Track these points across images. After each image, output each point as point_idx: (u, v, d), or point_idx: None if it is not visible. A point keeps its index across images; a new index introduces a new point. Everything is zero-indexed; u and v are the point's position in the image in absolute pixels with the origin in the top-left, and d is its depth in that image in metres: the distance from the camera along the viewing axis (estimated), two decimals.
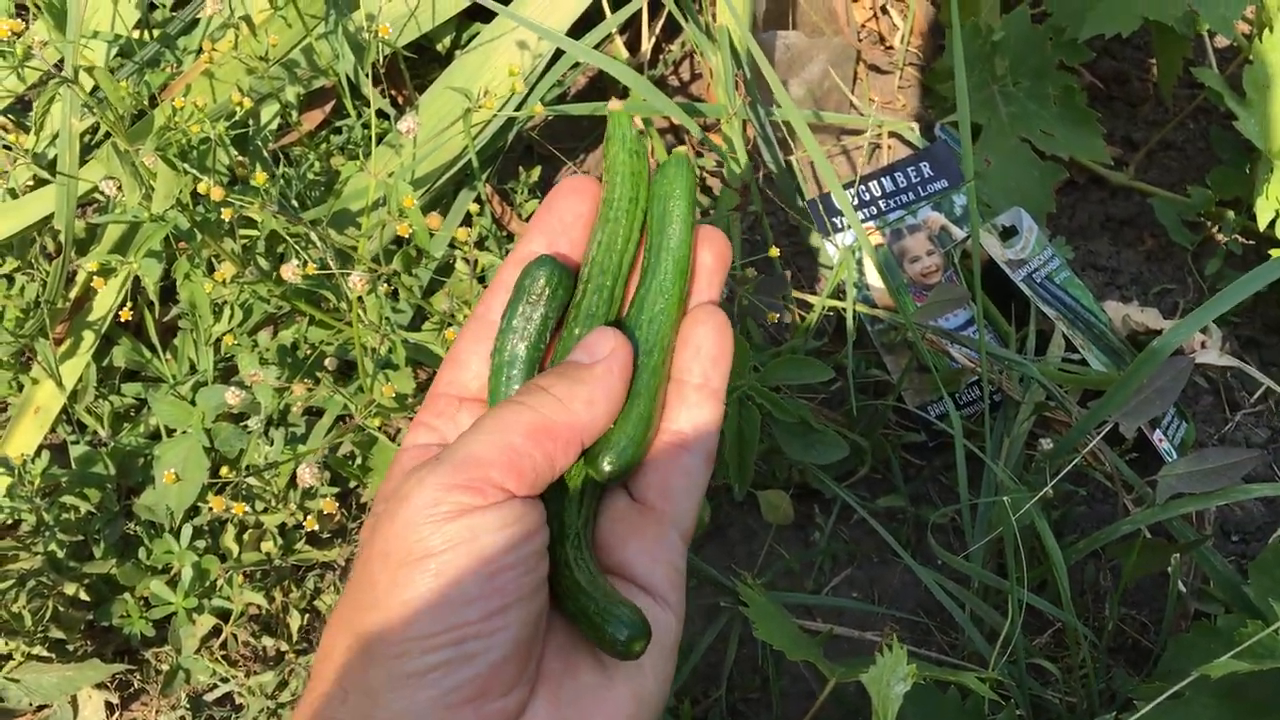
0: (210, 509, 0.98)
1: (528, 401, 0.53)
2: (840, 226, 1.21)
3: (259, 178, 0.85)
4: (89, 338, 1.10)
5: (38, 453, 1.06)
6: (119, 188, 0.87)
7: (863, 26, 1.50)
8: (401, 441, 0.60)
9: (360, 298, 0.90)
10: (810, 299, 1.10)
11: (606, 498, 0.58)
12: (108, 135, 0.93)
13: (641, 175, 0.62)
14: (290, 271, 0.80)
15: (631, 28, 1.42)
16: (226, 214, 0.83)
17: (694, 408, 0.59)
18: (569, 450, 0.53)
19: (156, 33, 1.19)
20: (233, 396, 0.90)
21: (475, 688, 0.47)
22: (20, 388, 1.12)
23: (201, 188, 0.82)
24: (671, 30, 1.45)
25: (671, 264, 0.60)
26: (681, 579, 0.57)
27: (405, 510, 0.49)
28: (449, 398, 0.59)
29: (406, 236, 0.86)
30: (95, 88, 1.00)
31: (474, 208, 0.95)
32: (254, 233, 1.04)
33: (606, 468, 0.55)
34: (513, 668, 0.48)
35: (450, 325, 0.93)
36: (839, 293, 1.15)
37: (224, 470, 0.92)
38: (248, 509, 1.02)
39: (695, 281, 0.62)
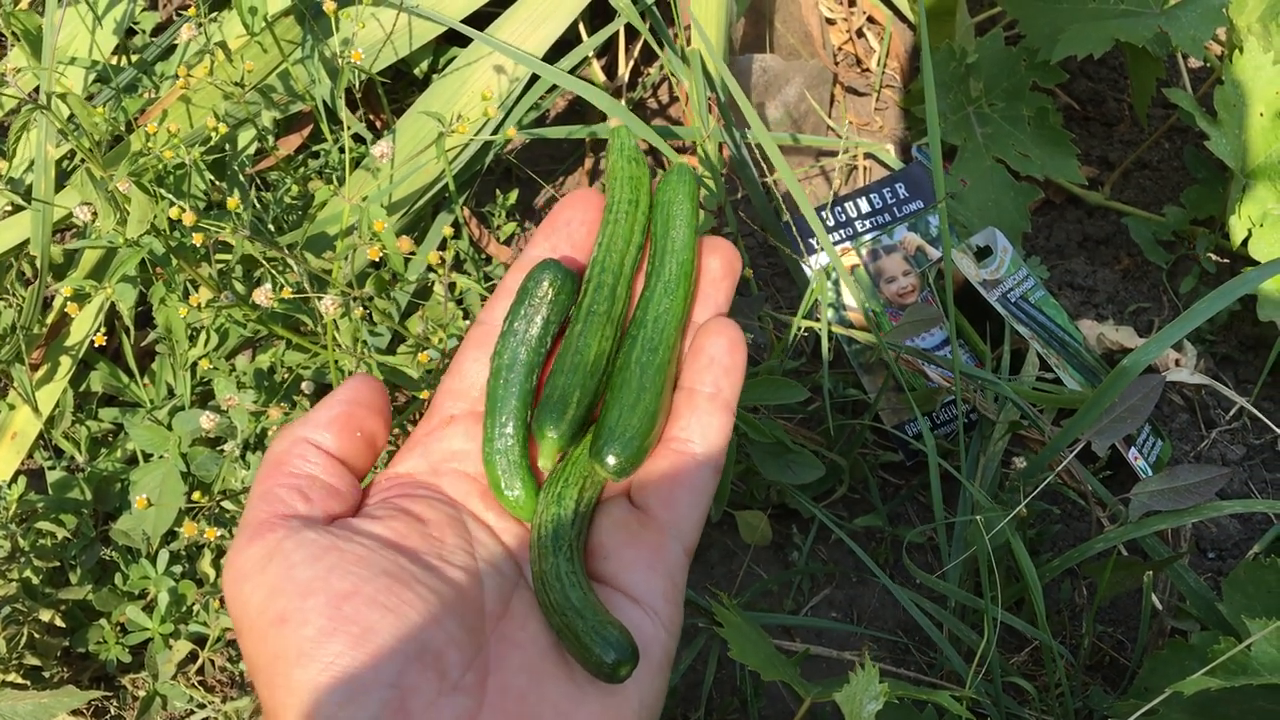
0: (203, 523, 0.98)
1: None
2: (816, 247, 1.22)
3: (231, 203, 0.86)
4: (66, 363, 1.10)
5: (14, 478, 1.06)
6: (94, 214, 0.88)
7: (839, 49, 1.51)
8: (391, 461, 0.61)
9: (335, 321, 0.91)
10: (786, 319, 1.11)
11: (606, 504, 0.58)
12: (84, 161, 0.93)
13: (640, 180, 0.64)
14: (264, 296, 0.81)
15: (610, 51, 1.43)
16: (198, 239, 0.83)
17: (705, 416, 0.59)
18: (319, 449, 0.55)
19: (134, 58, 1.19)
20: (207, 421, 0.90)
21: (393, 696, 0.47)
22: None
23: (174, 213, 0.83)
24: (650, 53, 1.46)
25: (676, 265, 0.61)
26: (679, 593, 0.56)
27: (228, 588, 0.50)
28: (443, 412, 0.60)
29: (378, 260, 0.86)
30: (72, 114, 1.01)
31: (448, 231, 0.95)
32: (230, 257, 1.04)
33: (610, 460, 0.55)
34: (417, 670, 0.48)
35: (425, 349, 0.93)
36: (816, 313, 1.16)
37: (196, 495, 0.92)
38: (224, 533, 1.02)
39: (702, 287, 0.63)
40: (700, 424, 0.58)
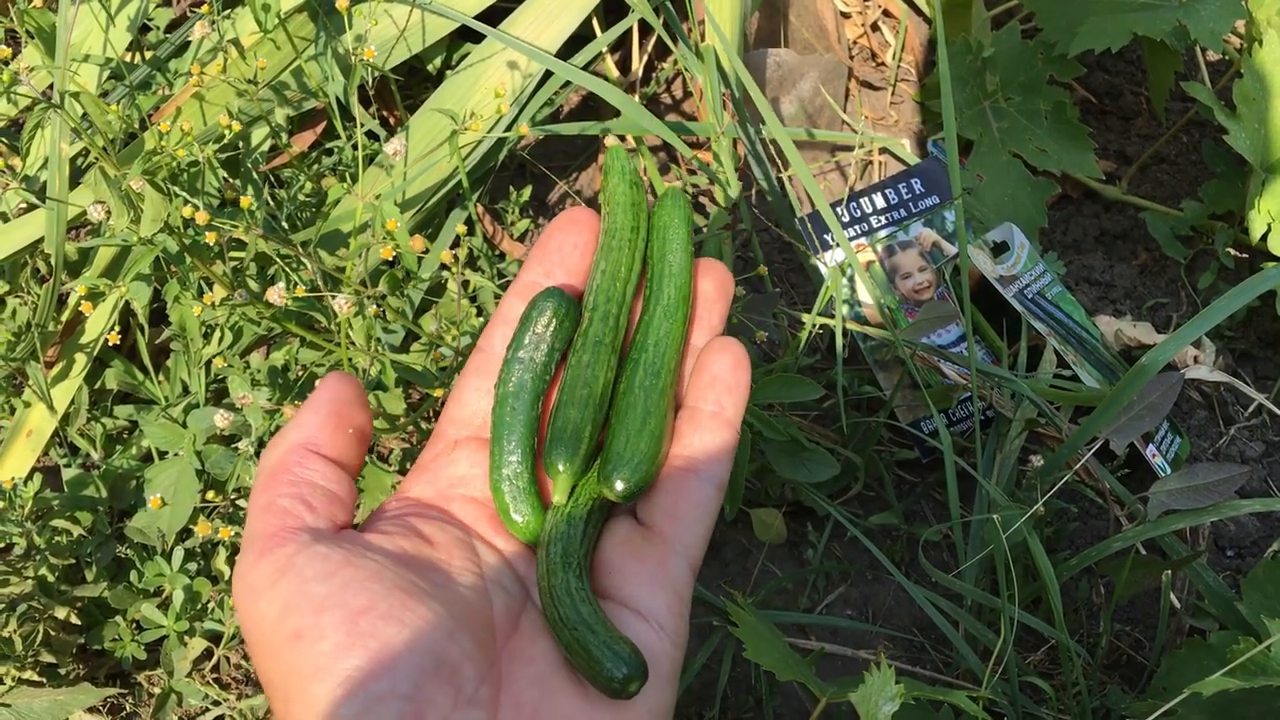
0: (217, 522, 0.98)
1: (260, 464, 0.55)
2: (831, 243, 1.21)
3: (245, 201, 0.86)
4: (81, 360, 1.10)
5: (30, 475, 1.06)
6: (107, 212, 0.88)
7: (854, 43, 1.51)
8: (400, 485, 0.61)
9: (349, 320, 0.90)
10: (802, 316, 1.10)
11: (611, 521, 0.58)
12: (97, 159, 0.93)
13: (641, 205, 0.64)
14: (276, 295, 0.81)
15: (624, 46, 1.43)
16: (211, 238, 0.83)
17: (707, 434, 0.59)
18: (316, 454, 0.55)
19: (148, 55, 1.19)
20: (222, 419, 0.90)
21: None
22: (13, 411, 1.12)
23: (186, 212, 0.83)
24: (664, 48, 1.45)
25: (674, 290, 0.62)
26: (684, 607, 0.56)
27: (239, 604, 0.50)
28: (447, 439, 0.60)
29: (391, 259, 0.86)
30: (85, 112, 1.01)
31: (461, 229, 0.95)
32: (244, 254, 1.04)
33: (619, 485, 0.56)
34: (434, 684, 0.48)
35: (438, 346, 0.93)
36: (831, 310, 1.15)
37: (210, 494, 0.92)
38: (239, 531, 1.02)
39: (697, 309, 0.64)
40: (703, 442, 0.59)
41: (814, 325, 1.05)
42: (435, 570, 0.53)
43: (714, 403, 0.60)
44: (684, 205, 0.65)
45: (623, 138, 1.38)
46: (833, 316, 1.08)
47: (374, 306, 0.89)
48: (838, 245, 1.21)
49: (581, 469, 0.58)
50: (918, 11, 1.50)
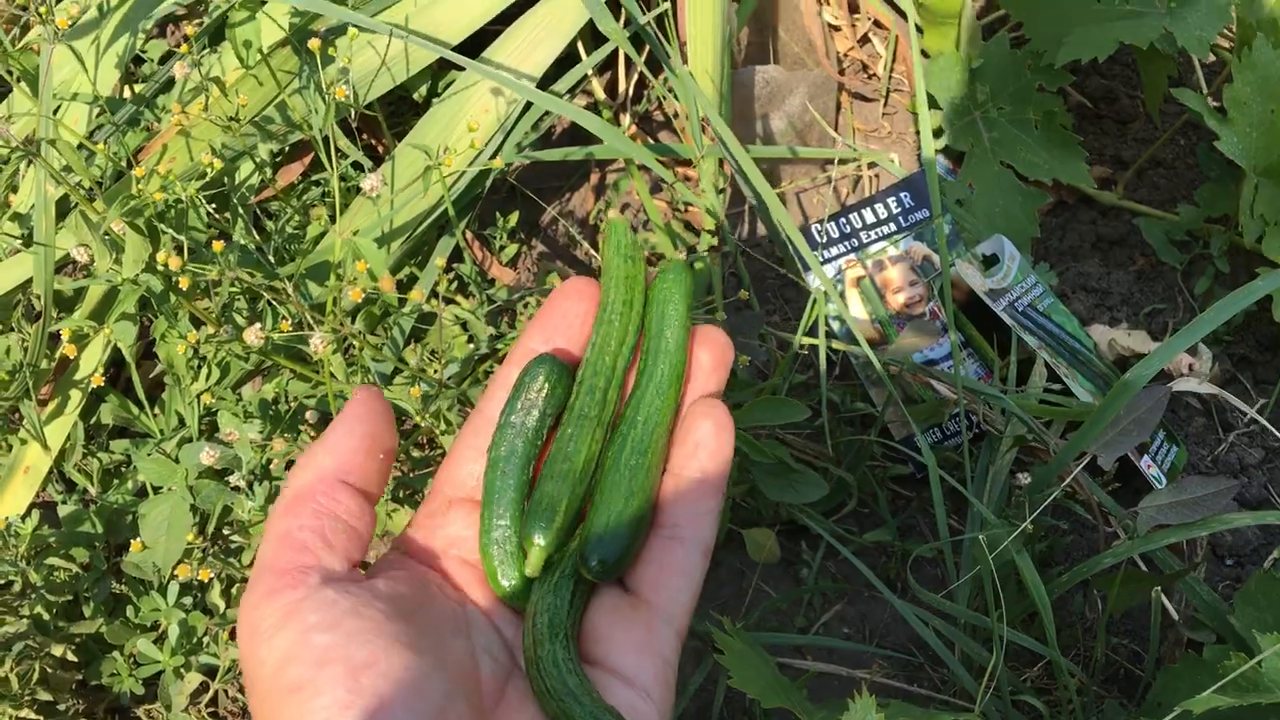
0: (197, 564, 0.98)
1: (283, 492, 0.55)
2: (823, 259, 1.21)
3: (217, 245, 0.86)
4: (76, 396, 1.11)
5: (28, 512, 1.07)
6: (90, 256, 0.88)
7: (845, 55, 1.50)
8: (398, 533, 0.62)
9: (329, 356, 0.91)
10: (787, 336, 1.10)
11: (599, 588, 0.59)
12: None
13: (636, 279, 0.65)
14: (253, 335, 0.81)
15: (613, 67, 1.43)
16: (184, 282, 0.83)
17: (692, 502, 0.60)
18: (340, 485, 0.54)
19: (139, 88, 1.20)
20: (208, 456, 0.90)
21: None
22: (9, 448, 1.13)
23: (160, 256, 0.83)
24: (653, 66, 1.45)
25: (668, 368, 0.63)
26: (671, 673, 0.57)
27: (242, 641, 0.50)
28: (442, 498, 0.61)
29: (359, 301, 0.86)
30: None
31: (440, 262, 0.96)
32: (232, 289, 1.05)
33: (595, 566, 0.56)
34: None
35: (418, 382, 0.93)
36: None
37: (190, 536, 0.93)
38: (233, 561, 1.03)
39: (692, 380, 0.64)
40: (688, 510, 0.59)
41: (801, 345, 1.05)
42: (434, 630, 0.53)
43: (697, 469, 0.60)
44: (685, 280, 0.65)
45: (611, 161, 1.38)
46: (823, 336, 1.07)
47: (357, 342, 0.90)
48: (828, 262, 1.21)
49: (556, 542, 0.58)
50: (907, 21, 1.49)
